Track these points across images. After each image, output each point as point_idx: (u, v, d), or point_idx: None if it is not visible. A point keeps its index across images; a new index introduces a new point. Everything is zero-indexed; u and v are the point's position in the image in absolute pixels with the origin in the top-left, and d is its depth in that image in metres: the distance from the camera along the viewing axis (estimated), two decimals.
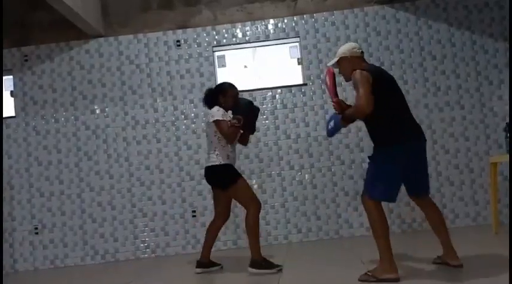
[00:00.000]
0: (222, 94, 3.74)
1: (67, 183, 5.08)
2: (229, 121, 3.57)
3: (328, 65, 3.30)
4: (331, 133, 3.27)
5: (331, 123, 3.20)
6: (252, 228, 3.50)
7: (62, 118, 5.16)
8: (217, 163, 3.59)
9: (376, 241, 2.93)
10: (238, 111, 3.65)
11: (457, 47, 4.98)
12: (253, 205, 3.55)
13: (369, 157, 3.14)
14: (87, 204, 5.05)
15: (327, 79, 3.22)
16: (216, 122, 3.57)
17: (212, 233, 3.81)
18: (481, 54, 4.95)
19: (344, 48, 3.17)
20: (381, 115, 2.92)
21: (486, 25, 4.96)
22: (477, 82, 4.94)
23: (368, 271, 2.94)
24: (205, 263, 3.78)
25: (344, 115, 3.07)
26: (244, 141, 3.86)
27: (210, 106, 3.73)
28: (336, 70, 3.24)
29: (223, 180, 3.61)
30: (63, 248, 5.01)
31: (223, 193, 3.65)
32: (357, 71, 2.95)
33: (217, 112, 3.60)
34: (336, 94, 3.19)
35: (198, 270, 3.75)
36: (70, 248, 5.01)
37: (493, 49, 4.94)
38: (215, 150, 3.62)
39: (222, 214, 3.79)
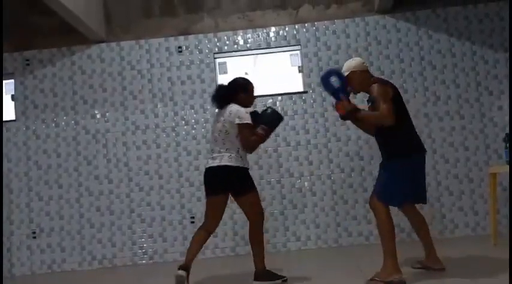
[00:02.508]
0: (242, 91, 3.42)
1: (66, 187, 5.07)
2: (257, 130, 3.30)
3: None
4: (325, 83, 3.28)
5: (335, 83, 3.23)
6: (261, 241, 3.35)
7: (62, 123, 5.17)
8: (239, 165, 3.26)
9: (383, 244, 3.08)
10: (263, 119, 3.36)
11: (457, 57, 5.00)
12: (261, 218, 3.38)
13: (382, 164, 3.33)
14: (86, 209, 5.04)
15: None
16: (244, 126, 3.24)
17: (199, 245, 3.33)
18: (481, 65, 4.97)
19: (353, 63, 3.36)
20: (397, 127, 3.13)
21: (486, 36, 4.99)
22: (477, 93, 4.96)
23: (373, 277, 3.03)
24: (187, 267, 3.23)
25: (361, 114, 3.16)
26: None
27: (222, 105, 3.40)
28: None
29: (242, 184, 3.29)
30: (61, 253, 4.99)
31: (223, 199, 3.32)
32: (377, 84, 3.20)
33: (246, 115, 3.27)
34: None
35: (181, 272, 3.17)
36: (68, 253, 4.99)
37: (493, 59, 4.97)
38: (238, 151, 3.28)
39: (214, 224, 3.38)
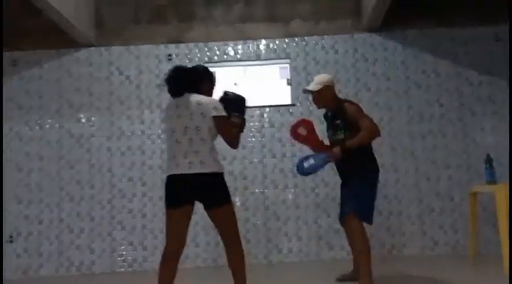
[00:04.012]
0: (209, 80, 2.89)
1: (47, 191, 4.99)
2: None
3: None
4: (309, 171, 3.38)
5: (311, 161, 3.29)
6: (244, 267, 2.77)
7: (47, 126, 5.10)
8: (214, 170, 2.66)
9: (361, 259, 3.15)
10: (232, 105, 2.82)
11: (442, 77, 5.11)
12: (240, 241, 2.78)
13: (346, 182, 3.45)
14: (66, 214, 4.96)
15: (308, 130, 3.35)
16: (223, 118, 2.71)
17: (172, 274, 2.65)
18: (465, 86, 5.08)
19: (326, 78, 3.50)
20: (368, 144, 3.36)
21: (471, 57, 5.11)
22: (460, 113, 5.05)
23: None
24: None
25: (349, 147, 3.23)
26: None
27: (182, 92, 2.74)
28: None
29: (220, 193, 2.69)
30: (38, 258, 4.88)
31: (191, 210, 2.71)
32: (350, 103, 3.39)
33: (220, 105, 2.72)
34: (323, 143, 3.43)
35: None
36: (45, 258, 4.89)
37: (477, 81, 5.08)
38: (211, 152, 2.69)
39: (182, 243, 2.70)
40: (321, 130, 3.60)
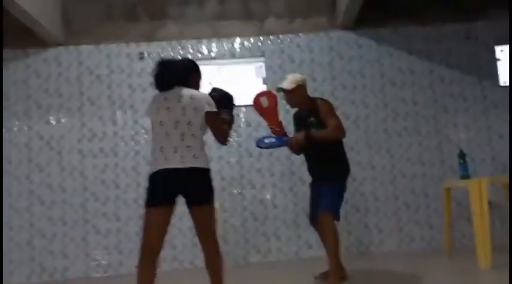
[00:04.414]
0: (198, 74, 2.81)
1: (16, 195, 4.81)
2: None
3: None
4: (266, 146, 3.44)
5: (272, 139, 3.34)
6: (222, 268, 2.66)
7: (15, 128, 4.91)
8: (205, 166, 2.58)
9: (331, 257, 3.25)
10: (222, 101, 2.76)
11: (416, 75, 5.16)
12: (218, 242, 2.67)
13: (317, 182, 3.49)
14: (37, 218, 4.79)
15: (270, 103, 3.33)
16: (215, 114, 2.64)
17: (152, 276, 2.51)
18: (438, 83, 5.15)
19: (299, 77, 3.52)
20: (341, 143, 3.44)
21: (443, 55, 5.18)
22: (434, 110, 5.12)
23: None
24: None
25: (314, 137, 3.27)
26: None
27: (172, 86, 2.65)
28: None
29: (210, 190, 2.61)
30: (8, 265, 4.70)
31: (174, 209, 2.59)
32: (323, 101, 3.43)
33: (212, 101, 2.64)
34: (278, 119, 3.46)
35: None
36: (15, 265, 4.71)
37: (449, 78, 5.15)
38: (202, 148, 2.61)
39: (161, 243, 2.55)
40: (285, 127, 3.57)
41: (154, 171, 2.56)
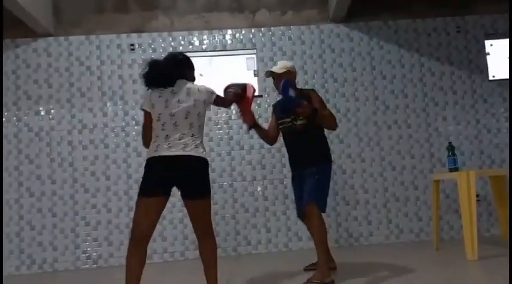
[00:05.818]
0: (191, 69, 2.89)
1: (5, 187, 4.77)
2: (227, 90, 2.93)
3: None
4: (290, 96, 3.14)
5: (293, 93, 3.12)
6: (216, 260, 2.73)
7: (4, 119, 4.87)
8: (206, 157, 2.67)
9: (320, 248, 3.18)
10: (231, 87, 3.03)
11: (406, 68, 5.19)
12: (213, 234, 2.78)
13: (301, 173, 3.40)
14: (26, 210, 4.77)
15: (250, 94, 3.21)
16: (217, 96, 2.82)
17: (141, 261, 2.56)
18: (428, 76, 5.18)
19: (289, 64, 3.55)
20: (323, 134, 3.46)
21: (433, 49, 5.21)
22: (423, 103, 5.15)
23: (311, 279, 3.09)
24: None
25: (314, 108, 3.15)
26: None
27: (171, 82, 2.70)
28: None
29: (208, 184, 2.67)
30: None
31: (163, 203, 2.63)
32: (314, 91, 3.47)
33: (211, 88, 2.81)
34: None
35: None
36: (5, 256, 4.69)
37: (439, 72, 5.19)
38: (203, 140, 2.73)
39: (152, 230, 2.61)
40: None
41: (152, 156, 2.60)
